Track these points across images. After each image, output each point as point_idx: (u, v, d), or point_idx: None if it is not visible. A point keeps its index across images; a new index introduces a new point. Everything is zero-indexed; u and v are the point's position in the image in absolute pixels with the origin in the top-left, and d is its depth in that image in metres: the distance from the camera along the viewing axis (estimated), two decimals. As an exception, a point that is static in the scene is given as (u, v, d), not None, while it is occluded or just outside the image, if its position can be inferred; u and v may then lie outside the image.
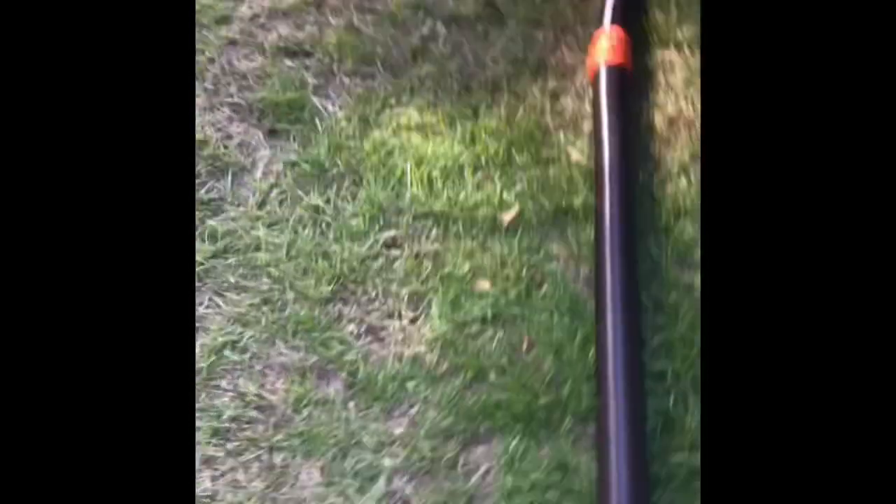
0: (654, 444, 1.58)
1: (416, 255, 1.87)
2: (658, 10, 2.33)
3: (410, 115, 2.11)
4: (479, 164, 2.01)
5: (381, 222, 1.92)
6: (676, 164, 2.02)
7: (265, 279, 1.83)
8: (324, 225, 1.92)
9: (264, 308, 1.79)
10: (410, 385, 1.67)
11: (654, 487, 1.52)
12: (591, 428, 1.60)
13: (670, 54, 2.24)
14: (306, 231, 1.90)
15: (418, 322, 1.77)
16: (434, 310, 1.78)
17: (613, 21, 2.20)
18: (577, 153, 2.03)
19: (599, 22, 2.23)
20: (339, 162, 2.02)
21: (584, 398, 1.64)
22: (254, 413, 1.64)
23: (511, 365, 1.69)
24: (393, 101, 2.15)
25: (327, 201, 1.96)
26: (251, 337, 1.74)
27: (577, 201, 1.93)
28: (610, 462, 1.51)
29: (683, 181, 1.99)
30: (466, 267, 1.83)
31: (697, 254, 1.85)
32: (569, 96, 2.16)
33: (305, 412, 1.64)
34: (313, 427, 1.62)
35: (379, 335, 1.76)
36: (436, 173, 1.99)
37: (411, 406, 1.65)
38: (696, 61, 2.23)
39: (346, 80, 2.18)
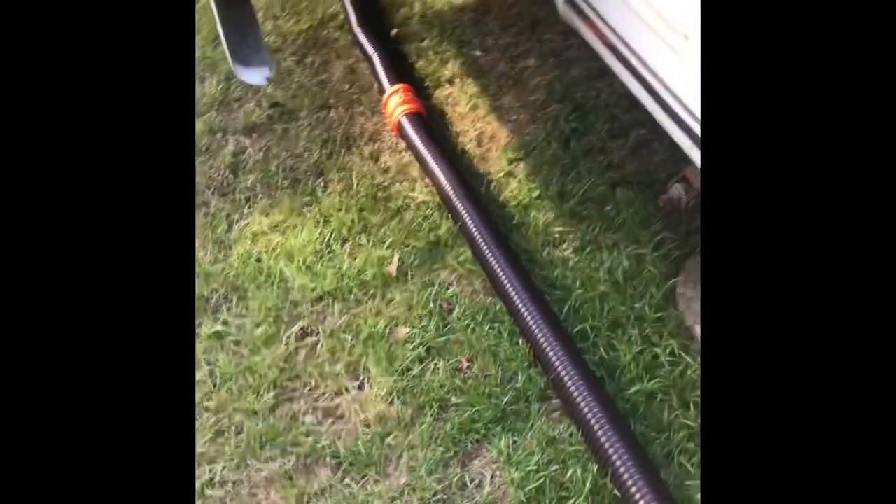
0: (610, 388, 1.80)
1: (331, 334, 1.97)
2: (422, 61, 2.63)
3: (259, 221, 2.22)
4: (342, 236, 2.16)
5: (285, 320, 2.00)
6: (500, 170, 2.30)
7: (207, 415, 1.84)
8: (233, 345, 1.97)
9: (220, 439, 1.80)
10: (390, 440, 1.77)
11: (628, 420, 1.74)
12: (556, 400, 1.79)
13: (448, 90, 2.54)
14: (220, 357, 1.94)
15: (365, 387, 1.88)
16: (373, 370, 1.89)
17: (392, 81, 2.46)
18: (420, 194, 2.24)
19: (381, 87, 2.48)
20: (216, 287, 2.07)
21: (537, 380, 1.82)
22: (266, 530, 1.65)
23: (464, 383, 1.84)
24: (236, 216, 2.24)
25: (225, 324, 2.00)
26: (223, 468, 1.75)
27: (442, 231, 2.14)
28: (586, 417, 1.70)
29: (514, 182, 2.26)
30: (381, 323, 1.96)
31: (556, 232, 2.13)
32: (386, 154, 2.37)
33: (312, 507, 1.68)
34: (325, 517, 1.67)
35: (337, 413, 1.84)
36: (311, 259, 2.11)
37: (400, 456, 1.75)
38: (470, 88, 2.55)
39: (183, 216, 2.24)
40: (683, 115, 1.50)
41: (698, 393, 1.79)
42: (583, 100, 2.46)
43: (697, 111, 1.46)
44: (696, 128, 1.48)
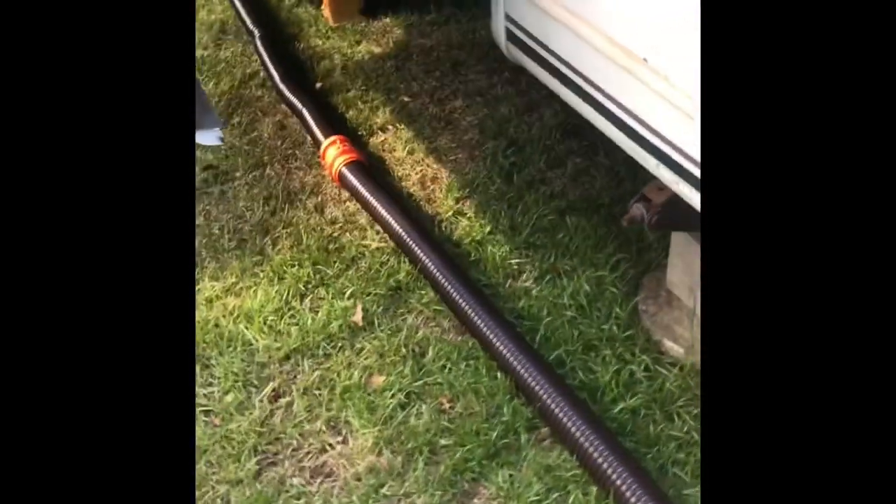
0: (594, 409, 1.82)
1: (305, 391, 1.92)
2: (352, 111, 2.64)
3: (211, 286, 2.15)
4: (300, 292, 2.12)
5: (255, 383, 1.94)
6: (448, 210, 2.32)
7: (188, 491, 1.75)
8: (204, 415, 1.88)
9: (207, 513, 1.72)
10: (384, 490, 1.73)
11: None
12: (545, 428, 1.80)
13: (383, 137, 2.55)
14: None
15: (349, 441, 1.83)
16: (355, 423, 1.85)
17: (326, 133, 2.45)
18: (373, 241, 2.23)
19: (315, 140, 2.47)
20: (176, 357, 1.99)
21: (523, 411, 1.83)
22: None
23: (451, 423, 1.82)
24: (185, 283, 2.16)
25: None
26: (215, 544, 1.67)
27: (401, 275, 2.13)
28: (579, 440, 1.71)
29: (464, 220, 2.29)
30: (356, 374, 1.93)
31: (514, 264, 2.15)
32: (330, 205, 2.36)
33: (315, 572, 1.62)
34: (331, 579, 1.61)
35: (325, 471, 1.78)
36: (271, 318, 2.06)
37: (398, 506, 1.71)
38: (404, 133, 2.57)
39: (129, 289, 2.15)
40: (648, 136, 1.56)
41: (680, 404, 1.83)
42: (516, 134, 2.52)
43: (661, 130, 1.52)
44: (662, 146, 1.54)
